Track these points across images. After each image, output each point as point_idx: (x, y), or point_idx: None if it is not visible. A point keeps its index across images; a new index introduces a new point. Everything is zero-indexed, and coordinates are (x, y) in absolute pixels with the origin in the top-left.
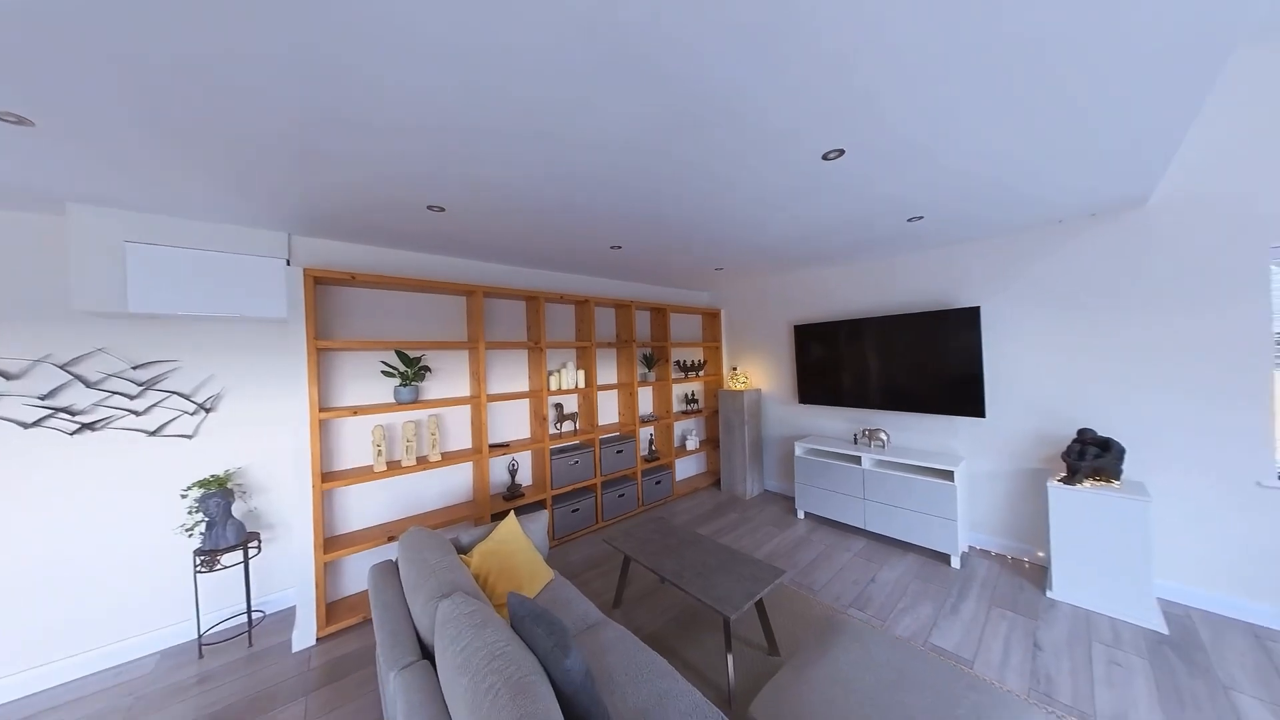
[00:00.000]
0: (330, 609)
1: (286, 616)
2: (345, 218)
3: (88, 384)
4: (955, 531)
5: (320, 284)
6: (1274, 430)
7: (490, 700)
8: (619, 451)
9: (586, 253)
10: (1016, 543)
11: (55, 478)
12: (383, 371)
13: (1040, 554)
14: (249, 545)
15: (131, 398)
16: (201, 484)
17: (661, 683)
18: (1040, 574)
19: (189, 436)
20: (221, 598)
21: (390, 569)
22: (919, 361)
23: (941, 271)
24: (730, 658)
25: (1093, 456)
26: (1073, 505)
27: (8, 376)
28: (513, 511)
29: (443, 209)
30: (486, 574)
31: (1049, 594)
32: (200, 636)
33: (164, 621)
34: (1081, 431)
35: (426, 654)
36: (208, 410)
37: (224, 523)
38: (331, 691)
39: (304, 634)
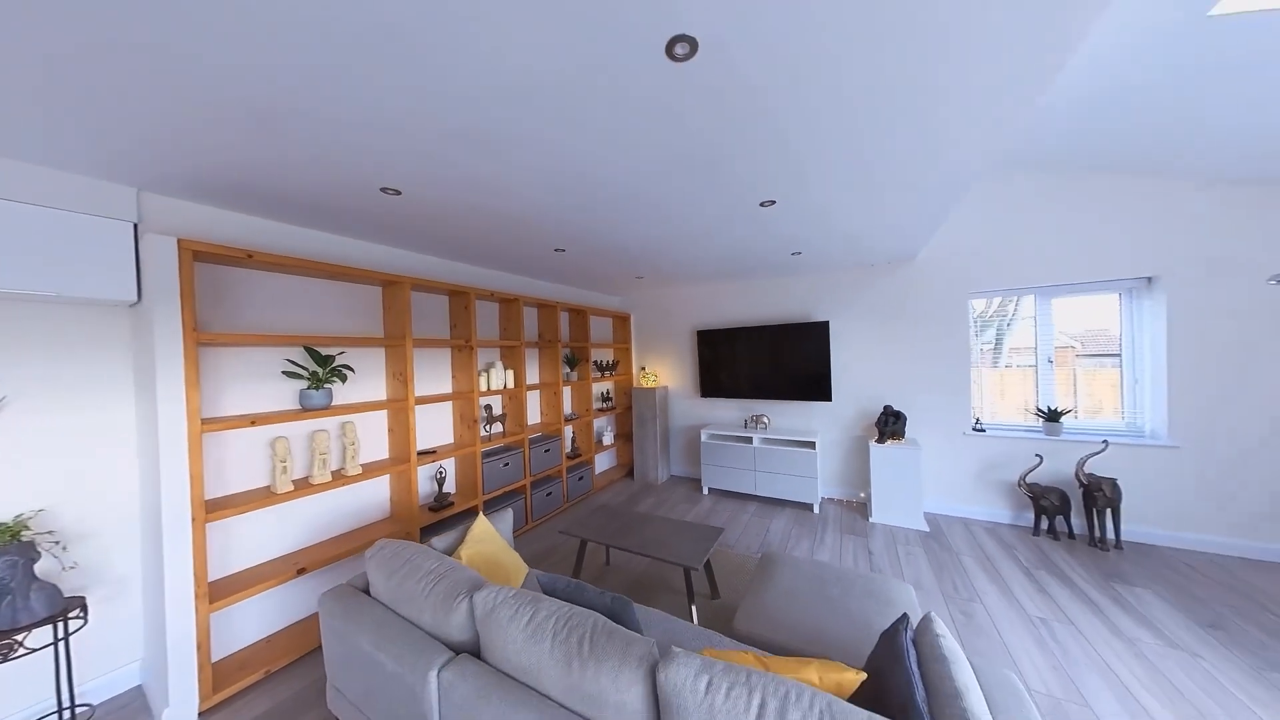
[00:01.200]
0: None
1: (129, 701)
2: (257, 186)
3: None
4: (816, 486)
5: (199, 261)
6: (970, 403)
7: (588, 647)
8: (546, 451)
9: (530, 252)
10: (850, 489)
11: None
12: (285, 372)
13: (863, 494)
14: (69, 616)
15: None
16: None
17: (666, 624)
18: (864, 507)
19: None
20: (11, 699)
21: (349, 592)
22: (789, 361)
23: (805, 293)
24: (694, 606)
25: (891, 423)
26: (881, 458)
27: None
28: (481, 512)
29: (399, 192)
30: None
31: (870, 519)
32: None
33: None
34: (886, 407)
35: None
36: None
37: (25, 590)
38: None
39: (181, 711)
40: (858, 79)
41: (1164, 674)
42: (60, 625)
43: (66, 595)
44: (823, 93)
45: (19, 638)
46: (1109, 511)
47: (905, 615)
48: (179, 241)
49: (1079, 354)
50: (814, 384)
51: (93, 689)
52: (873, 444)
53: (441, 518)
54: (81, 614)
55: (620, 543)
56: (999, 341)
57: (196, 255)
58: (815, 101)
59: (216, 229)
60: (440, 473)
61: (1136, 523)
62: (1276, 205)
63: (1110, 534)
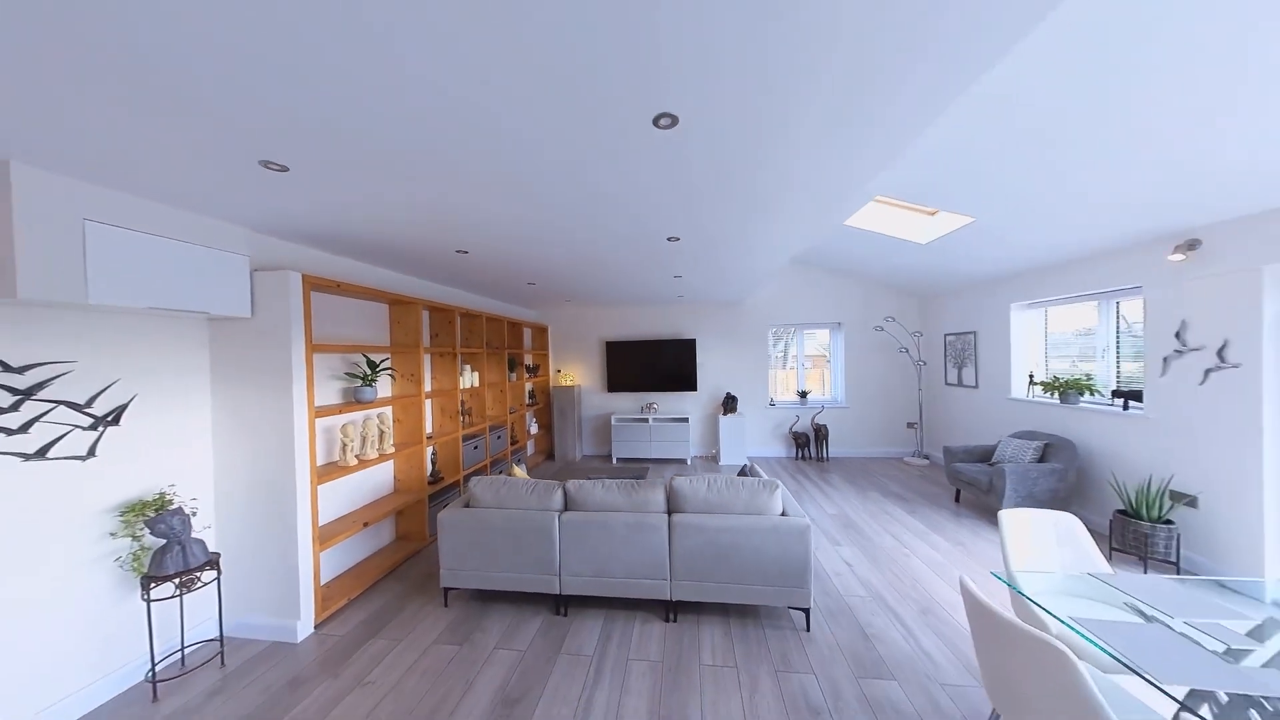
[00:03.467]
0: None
1: (235, 645)
2: (357, 239)
3: None
4: (688, 448)
5: (315, 290)
6: (770, 388)
7: (638, 486)
8: (498, 437)
9: (511, 283)
10: (706, 447)
11: None
12: (347, 373)
13: (714, 450)
14: (216, 565)
15: (3, 410)
16: (145, 505)
17: None
18: (715, 458)
19: (81, 458)
20: (128, 652)
21: (458, 509)
22: (671, 363)
23: (681, 318)
24: None
25: (730, 403)
26: (724, 425)
27: None
28: (514, 464)
29: (466, 252)
30: None
31: (720, 464)
32: (155, 676)
33: (61, 690)
34: (727, 393)
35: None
36: (109, 423)
37: (189, 542)
38: (406, 618)
39: (306, 623)
40: (731, 234)
41: (836, 502)
42: (217, 568)
43: (211, 550)
44: (719, 218)
45: (199, 575)
46: (825, 442)
47: (746, 464)
48: (302, 276)
49: (816, 359)
50: (686, 379)
51: (198, 632)
52: (720, 417)
53: (439, 488)
54: (218, 567)
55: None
56: (785, 352)
57: (313, 287)
58: (709, 229)
59: (292, 256)
60: (434, 454)
61: (835, 446)
62: (878, 293)
63: (826, 455)
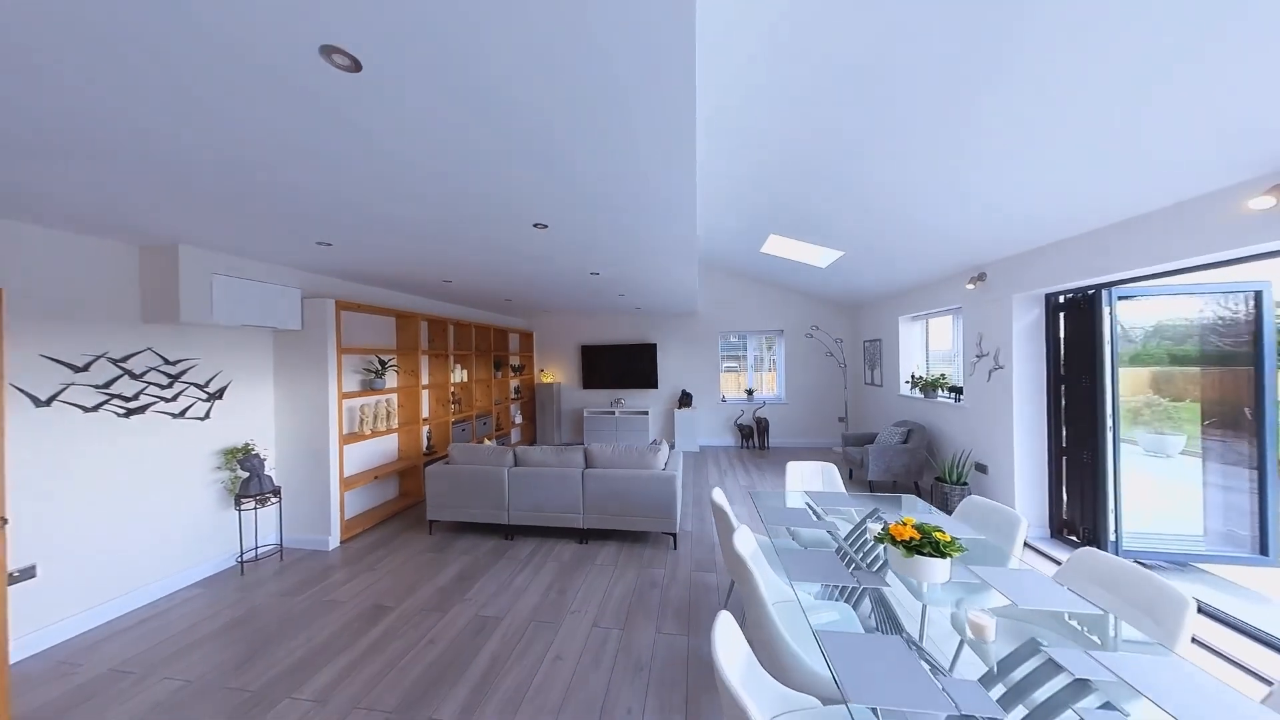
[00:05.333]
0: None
1: (287, 551)
2: (372, 273)
3: (133, 376)
4: (649, 438)
5: (343, 309)
6: (719, 388)
7: (566, 450)
8: (484, 424)
9: (492, 298)
10: (665, 438)
11: (110, 452)
12: (365, 368)
13: (672, 441)
14: (279, 494)
15: (163, 387)
16: (236, 450)
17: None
18: (672, 446)
19: (201, 419)
20: (227, 545)
21: (441, 465)
22: (636, 364)
23: (645, 326)
24: None
25: (686, 399)
26: (680, 418)
27: (75, 369)
28: (485, 439)
29: (450, 281)
30: None
31: (673, 450)
32: (242, 560)
33: (188, 562)
34: (683, 390)
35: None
36: (216, 398)
37: (262, 475)
38: (402, 541)
39: (334, 539)
40: (633, 271)
41: (754, 478)
42: (279, 495)
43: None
44: (638, 256)
45: (270, 496)
46: (765, 433)
47: (658, 439)
48: (335, 301)
49: (763, 362)
50: (648, 378)
51: (261, 540)
52: (676, 411)
53: (432, 458)
54: (279, 496)
55: None
56: (735, 355)
57: (341, 307)
58: (613, 269)
59: (326, 287)
60: (430, 432)
61: (776, 437)
62: (812, 304)
63: (766, 444)
